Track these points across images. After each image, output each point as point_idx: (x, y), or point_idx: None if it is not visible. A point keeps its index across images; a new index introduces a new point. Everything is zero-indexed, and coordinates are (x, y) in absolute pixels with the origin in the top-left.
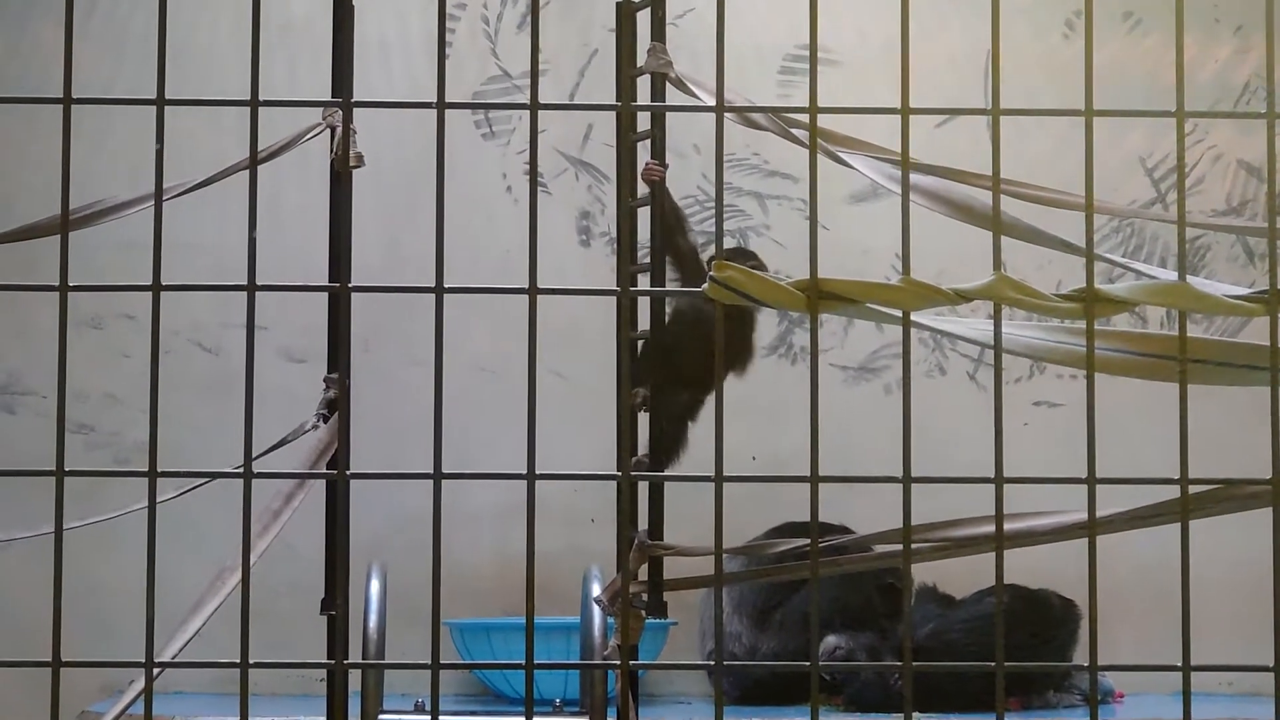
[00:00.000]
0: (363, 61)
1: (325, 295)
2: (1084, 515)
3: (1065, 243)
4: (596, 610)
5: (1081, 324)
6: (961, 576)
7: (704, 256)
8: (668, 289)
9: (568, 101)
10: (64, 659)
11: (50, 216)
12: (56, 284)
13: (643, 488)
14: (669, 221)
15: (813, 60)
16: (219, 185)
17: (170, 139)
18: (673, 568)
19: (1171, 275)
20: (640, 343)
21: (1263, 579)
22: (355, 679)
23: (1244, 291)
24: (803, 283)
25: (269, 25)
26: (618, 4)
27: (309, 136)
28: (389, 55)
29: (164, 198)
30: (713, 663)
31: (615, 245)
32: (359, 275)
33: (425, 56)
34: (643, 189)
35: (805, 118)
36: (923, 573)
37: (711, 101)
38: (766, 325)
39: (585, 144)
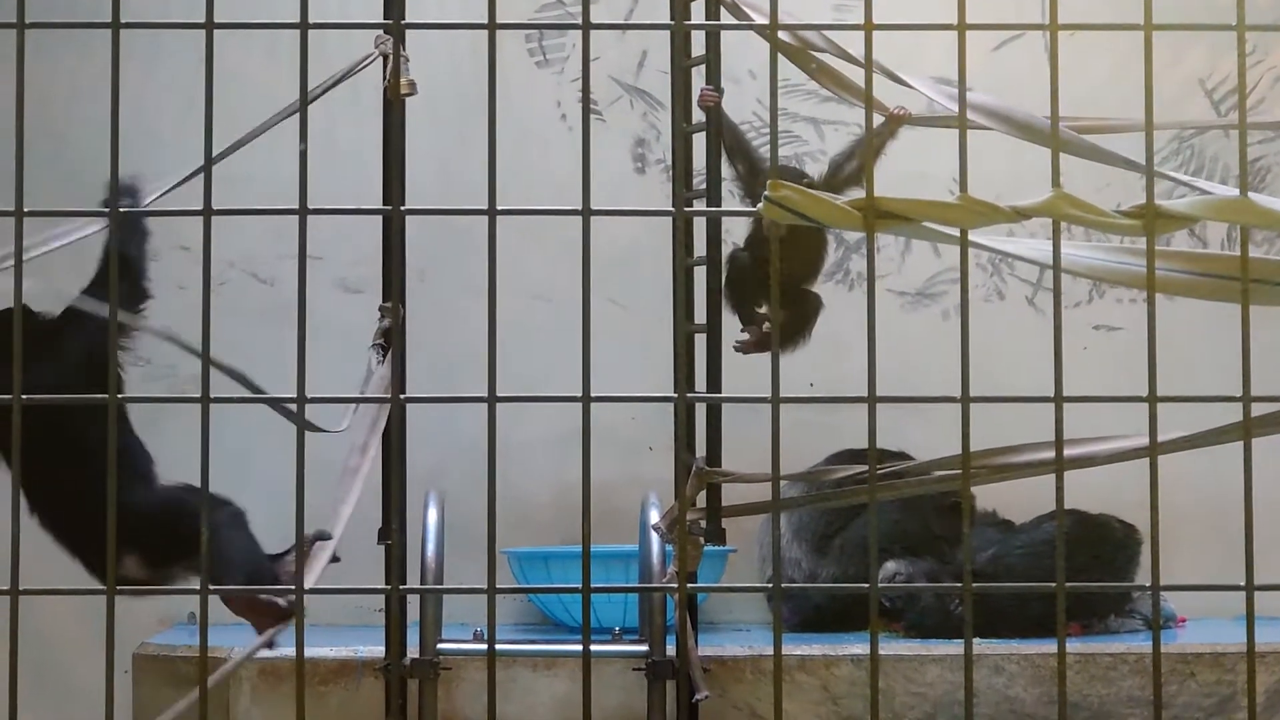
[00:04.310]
0: None
1: (380, 225)
2: (1144, 440)
3: (1125, 160)
4: (655, 537)
5: (1142, 244)
6: (1021, 502)
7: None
8: (723, 209)
9: (622, 24)
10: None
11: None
12: (107, 210)
13: (700, 416)
14: (729, 143)
15: None
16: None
17: (223, 76)
18: (731, 495)
19: (1232, 192)
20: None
21: None
22: (414, 611)
23: None
24: (860, 202)
25: None
26: None
27: (362, 65)
28: None
29: (221, 152)
30: (771, 586)
31: (670, 172)
32: (413, 203)
33: None
34: (698, 115)
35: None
36: (982, 498)
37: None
38: None
39: (640, 71)
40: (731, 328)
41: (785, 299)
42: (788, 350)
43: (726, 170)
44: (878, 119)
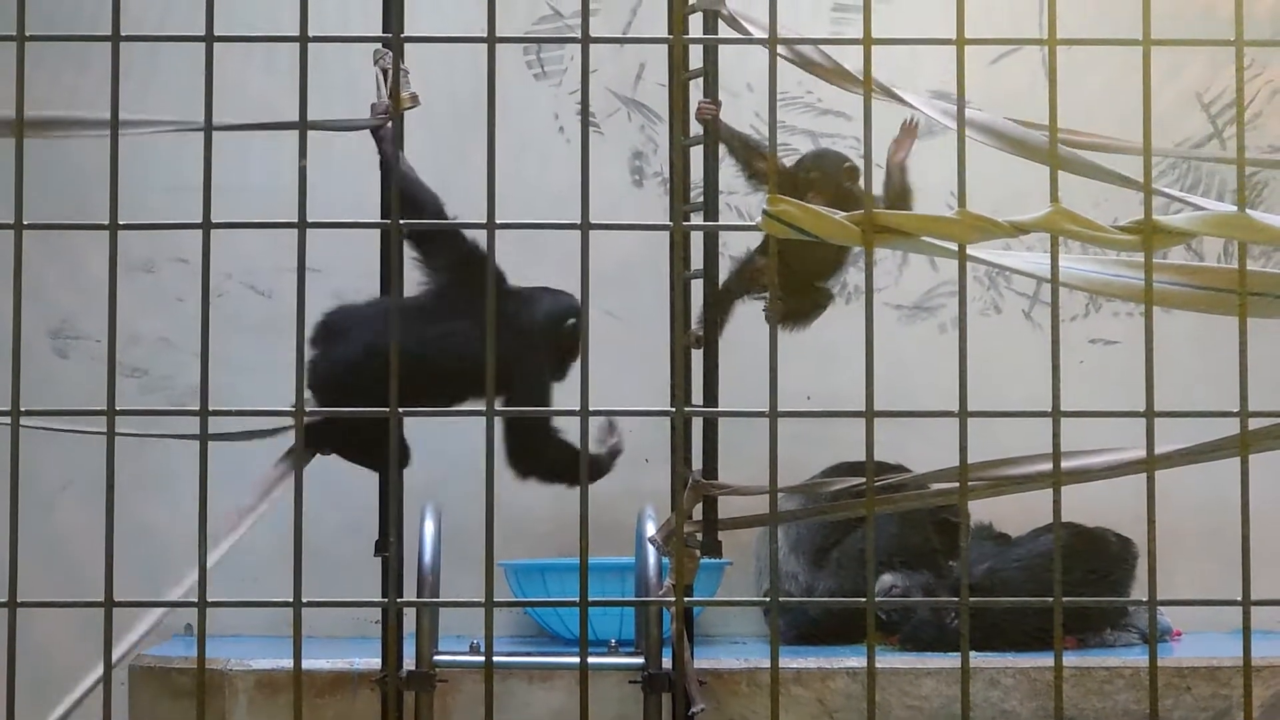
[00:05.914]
0: (413, 6)
1: (379, 238)
2: (1141, 452)
3: (1122, 176)
4: (651, 550)
5: (1139, 258)
6: (1018, 516)
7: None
8: (720, 224)
9: (620, 37)
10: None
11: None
12: (106, 223)
13: (697, 429)
14: (738, 144)
15: None
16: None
17: (223, 90)
18: (728, 508)
19: (1229, 208)
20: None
21: None
22: (410, 623)
23: None
24: (857, 216)
25: None
26: None
27: (370, 116)
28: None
29: (214, 127)
30: (768, 599)
31: (667, 185)
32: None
33: None
34: (696, 128)
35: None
36: (979, 512)
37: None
38: None
39: (638, 84)
40: (729, 338)
41: (799, 290)
42: (787, 329)
43: (724, 183)
44: (892, 131)
